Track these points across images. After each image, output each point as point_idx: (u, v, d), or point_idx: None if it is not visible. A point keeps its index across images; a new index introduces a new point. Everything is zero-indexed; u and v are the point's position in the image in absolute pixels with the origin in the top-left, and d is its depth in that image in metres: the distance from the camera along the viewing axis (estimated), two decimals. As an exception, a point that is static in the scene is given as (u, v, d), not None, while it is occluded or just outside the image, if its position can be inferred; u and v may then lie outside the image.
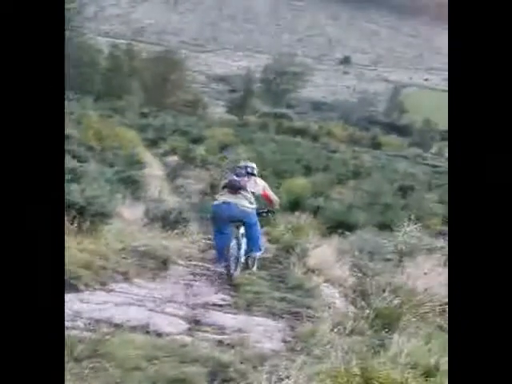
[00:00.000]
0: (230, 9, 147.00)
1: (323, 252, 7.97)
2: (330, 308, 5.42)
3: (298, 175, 19.58)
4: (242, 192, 6.40)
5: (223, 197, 6.39)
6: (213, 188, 14.62)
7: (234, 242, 6.19)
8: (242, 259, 6.46)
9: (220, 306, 5.22)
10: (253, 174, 6.84)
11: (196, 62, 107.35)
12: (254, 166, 7.06)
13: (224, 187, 6.56)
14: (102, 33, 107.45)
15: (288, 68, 71.64)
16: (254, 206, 6.54)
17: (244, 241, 6.51)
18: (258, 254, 6.78)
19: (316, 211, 13.45)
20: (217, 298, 5.47)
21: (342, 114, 79.19)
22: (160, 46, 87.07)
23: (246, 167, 6.90)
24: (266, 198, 6.98)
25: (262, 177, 7.63)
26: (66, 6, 57.28)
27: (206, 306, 5.14)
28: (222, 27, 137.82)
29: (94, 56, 60.83)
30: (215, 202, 6.45)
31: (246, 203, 6.35)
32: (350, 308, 5.55)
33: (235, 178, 6.56)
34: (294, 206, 14.31)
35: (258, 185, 6.81)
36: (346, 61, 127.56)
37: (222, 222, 6.33)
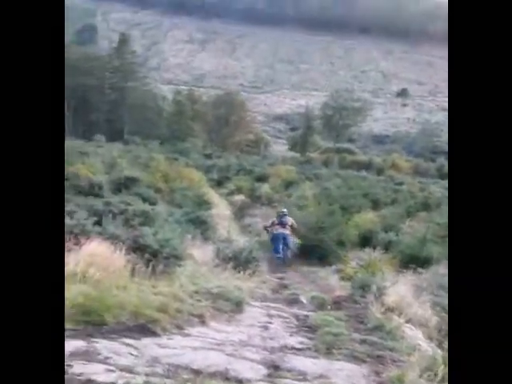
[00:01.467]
0: (284, 52, 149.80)
1: (400, 289, 7.61)
2: (415, 351, 5.07)
3: (366, 209, 19.16)
4: (287, 226, 13.27)
5: (279, 230, 13.23)
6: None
7: (281, 246, 12.99)
8: (288, 253, 13.12)
9: (299, 349, 5.00)
10: (286, 215, 13.53)
11: (255, 102, 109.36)
12: (286, 210, 13.90)
13: (277, 224, 13.37)
14: (165, 81, 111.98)
15: (346, 103, 71.36)
16: (290, 231, 13.24)
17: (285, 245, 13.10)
18: (290, 250, 13.24)
19: (387, 246, 13.04)
20: (294, 340, 5.27)
21: (405, 146, 77.80)
22: (220, 89, 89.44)
23: (283, 212, 13.67)
24: (292, 227, 13.35)
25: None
26: (131, 60, 60.59)
27: (283, 349, 4.94)
28: (277, 69, 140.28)
29: (158, 102, 63.39)
30: (275, 232, 13.22)
31: (288, 232, 13.27)
32: (438, 351, 5.18)
33: (282, 219, 13.35)
34: (365, 241, 13.96)
35: (289, 221, 13.43)
36: (403, 93, 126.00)
37: (278, 239, 13.05)
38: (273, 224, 13.51)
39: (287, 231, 13.19)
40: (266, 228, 13.83)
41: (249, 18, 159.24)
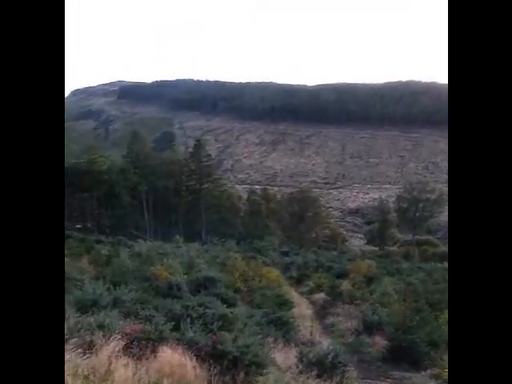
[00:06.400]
0: (353, 148, 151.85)
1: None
2: None
3: (456, 305, 17.69)
4: None
5: None
6: (365, 325, 13.64)
7: None
8: None
9: None
10: None
11: (328, 198, 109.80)
12: None
13: None
14: (239, 181, 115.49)
15: (421, 195, 69.66)
16: None
17: None
18: None
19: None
20: None
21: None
22: (292, 187, 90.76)
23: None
24: None
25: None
26: (206, 163, 63.33)
27: None
28: (347, 164, 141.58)
29: (234, 202, 64.92)
30: None
31: None
32: None
33: None
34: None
35: None
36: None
37: None
38: None
39: None
40: None
41: (315, 118, 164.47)
